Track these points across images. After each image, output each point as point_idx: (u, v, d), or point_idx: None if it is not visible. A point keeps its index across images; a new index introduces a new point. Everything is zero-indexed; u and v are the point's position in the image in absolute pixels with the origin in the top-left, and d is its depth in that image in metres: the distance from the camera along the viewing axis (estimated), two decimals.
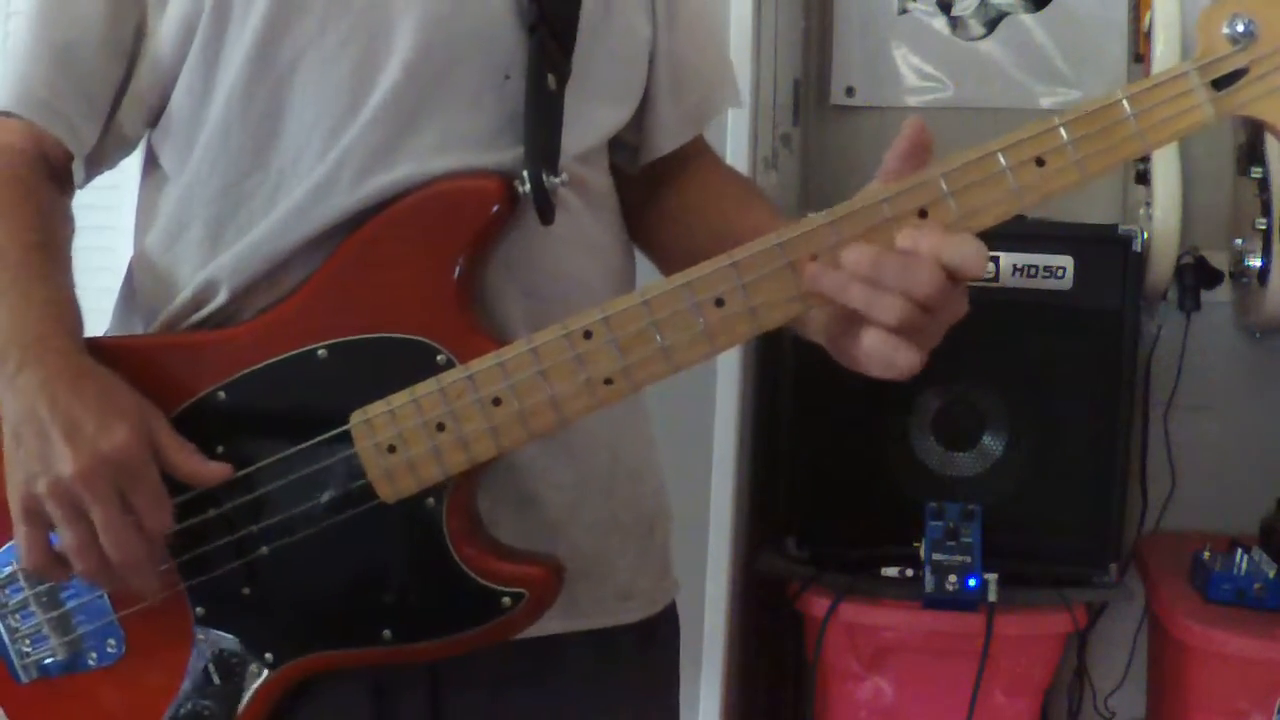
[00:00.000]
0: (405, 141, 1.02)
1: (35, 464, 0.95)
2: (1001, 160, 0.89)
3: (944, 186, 0.90)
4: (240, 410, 1.01)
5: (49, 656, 1.05)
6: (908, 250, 0.89)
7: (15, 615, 1.05)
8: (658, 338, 0.94)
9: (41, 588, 1.04)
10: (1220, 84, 0.88)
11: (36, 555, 0.97)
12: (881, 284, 0.89)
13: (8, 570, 1.04)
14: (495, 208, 1.01)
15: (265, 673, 1.02)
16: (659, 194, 1.20)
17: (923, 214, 0.90)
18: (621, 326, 0.94)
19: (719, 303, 0.93)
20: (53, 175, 1.08)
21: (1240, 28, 0.87)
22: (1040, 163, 0.89)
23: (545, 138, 1.04)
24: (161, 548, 0.98)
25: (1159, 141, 0.89)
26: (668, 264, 1.18)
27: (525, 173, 1.01)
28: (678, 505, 1.22)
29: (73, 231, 1.08)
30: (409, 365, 0.98)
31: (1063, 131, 0.88)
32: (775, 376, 2.14)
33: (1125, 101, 0.88)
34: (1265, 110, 0.88)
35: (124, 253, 1.15)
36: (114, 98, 1.08)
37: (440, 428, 0.97)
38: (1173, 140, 0.91)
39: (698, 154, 1.23)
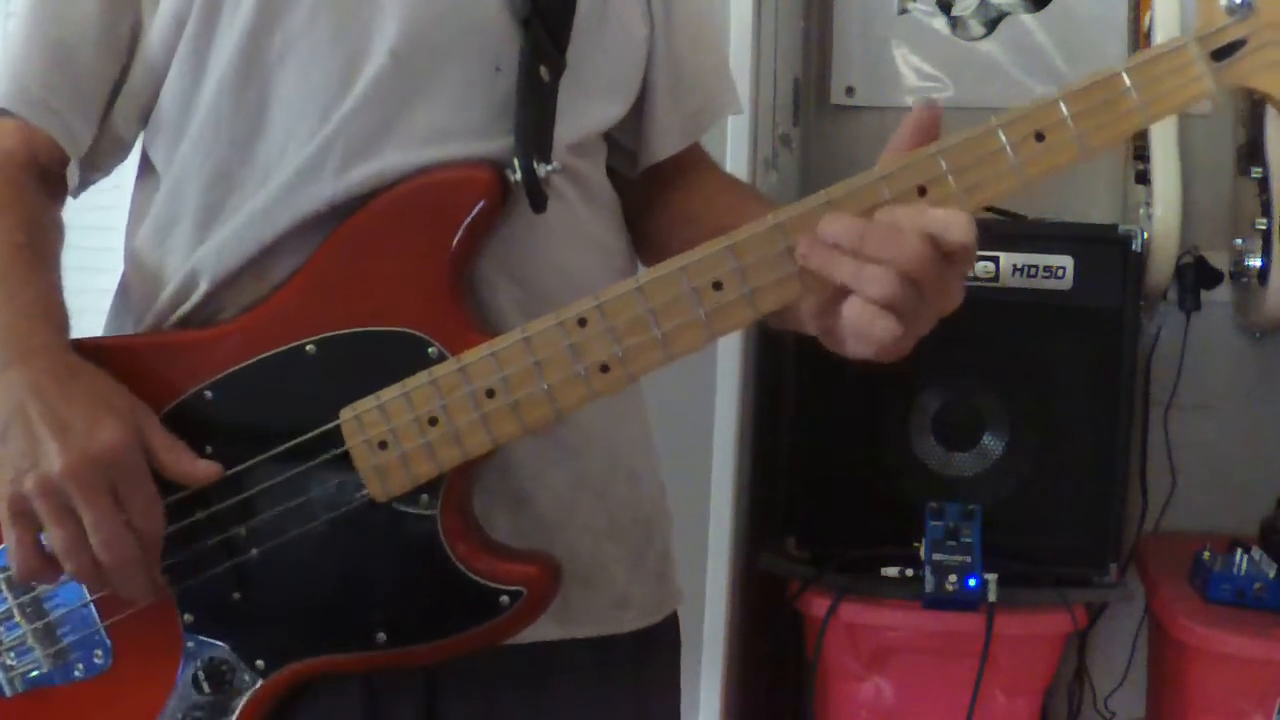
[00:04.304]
0: (392, 129, 1.01)
1: (22, 461, 0.94)
2: (1001, 136, 0.88)
3: (943, 165, 0.89)
4: (228, 409, 1.00)
5: (34, 669, 1.03)
6: (889, 224, 0.88)
7: None
8: (654, 324, 0.92)
9: (25, 597, 1.02)
10: (1220, 55, 0.88)
11: (26, 556, 0.96)
12: (865, 254, 0.88)
13: None
14: (486, 197, 0.99)
15: (257, 681, 1.00)
16: (659, 201, 1.19)
17: (922, 191, 0.89)
18: (616, 313, 0.93)
19: (717, 286, 0.91)
20: (44, 180, 1.07)
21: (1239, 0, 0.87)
22: (1040, 138, 0.88)
23: (536, 126, 1.03)
24: (156, 549, 0.97)
25: (1161, 113, 0.88)
26: None
27: (516, 160, 1.00)
28: (678, 505, 1.21)
29: (62, 237, 1.07)
30: (400, 359, 0.97)
31: (1062, 106, 0.88)
32: (775, 376, 2.14)
33: (1125, 75, 0.88)
34: (1264, 81, 0.88)
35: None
36: (109, 97, 1.07)
37: (433, 422, 0.96)
38: (1174, 112, 0.90)
39: (697, 162, 1.21)
